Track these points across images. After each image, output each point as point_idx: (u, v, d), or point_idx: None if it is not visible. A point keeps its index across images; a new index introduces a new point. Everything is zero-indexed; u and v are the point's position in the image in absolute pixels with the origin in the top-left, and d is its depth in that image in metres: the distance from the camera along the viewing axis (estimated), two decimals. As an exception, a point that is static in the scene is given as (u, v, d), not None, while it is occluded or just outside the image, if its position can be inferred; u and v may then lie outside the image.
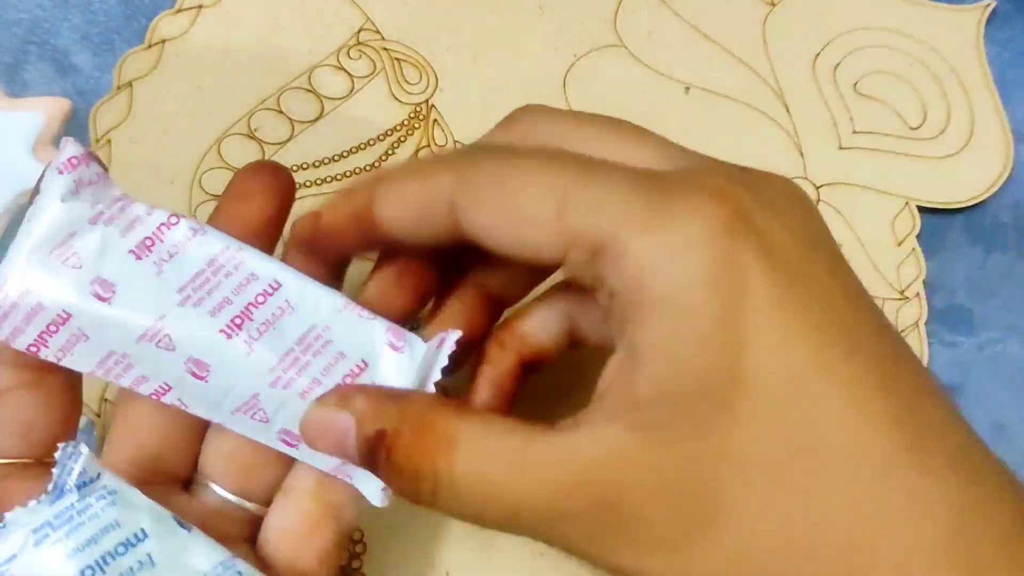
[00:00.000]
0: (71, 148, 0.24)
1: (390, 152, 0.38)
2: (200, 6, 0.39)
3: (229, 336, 0.25)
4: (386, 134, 0.38)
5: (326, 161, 0.37)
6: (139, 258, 0.24)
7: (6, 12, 0.39)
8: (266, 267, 0.25)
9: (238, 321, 0.25)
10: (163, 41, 0.38)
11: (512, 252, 0.23)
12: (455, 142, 0.38)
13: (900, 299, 0.38)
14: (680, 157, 0.24)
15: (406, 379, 0.26)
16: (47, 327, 0.24)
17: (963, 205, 0.39)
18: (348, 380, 0.26)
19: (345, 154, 0.37)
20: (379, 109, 0.38)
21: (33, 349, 0.24)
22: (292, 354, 0.25)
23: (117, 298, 0.24)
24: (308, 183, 0.37)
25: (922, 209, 0.39)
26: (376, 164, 0.37)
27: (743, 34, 0.41)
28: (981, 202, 0.39)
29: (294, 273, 0.26)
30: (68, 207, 0.24)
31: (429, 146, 0.38)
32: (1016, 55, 0.42)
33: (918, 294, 0.38)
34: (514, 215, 0.23)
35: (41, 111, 0.36)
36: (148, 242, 0.25)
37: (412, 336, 0.27)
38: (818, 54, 0.41)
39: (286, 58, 0.38)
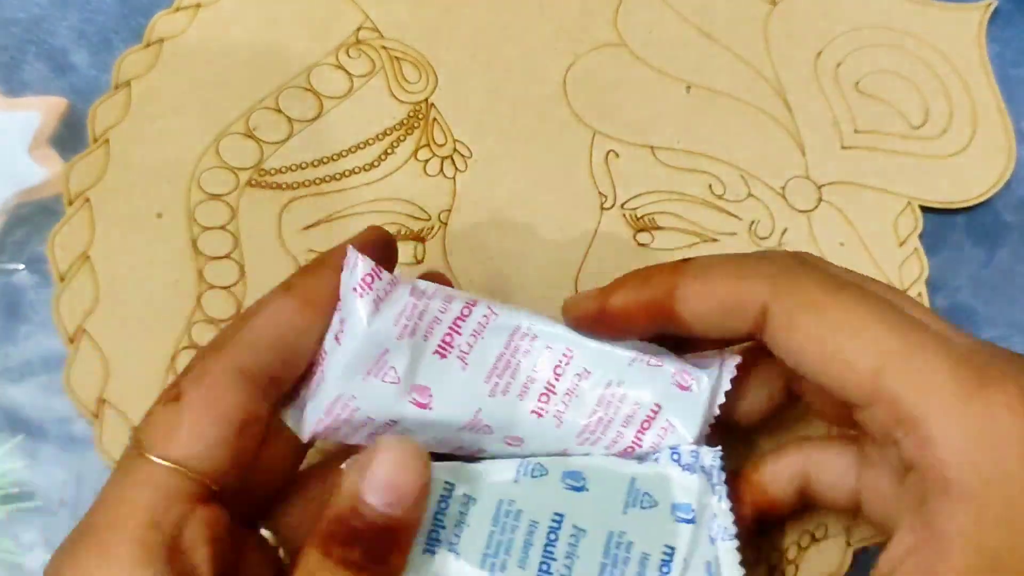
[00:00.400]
0: (362, 265, 0.26)
1: (389, 151, 0.37)
2: (198, 5, 0.39)
3: (540, 415, 0.28)
4: (385, 133, 0.38)
5: (325, 160, 0.37)
6: (443, 357, 0.27)
7: (3, 11, 0.39)
8: (558, 336, 0.28)
9: (544, 399, 0.28)
10: (161, 40, 0.38)
11: (815, 379, 0.24)
12: (454, 141, 0.38)
13: (902, 299, 0.37)
14: (965, 337, 0.25)
15: (696, 414, 0.28)
16: (375, 432, 0.27)
17: (966, 204, 0.39)
18: (646, 426, 0.28)
19: (344, 153, 0.37)
20: (378, 108, 0.38)
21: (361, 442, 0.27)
22: (595, 415, 0.28)
23: (435, 402, 0.26)
24: (307, 183, 0.37)
25: (924, 208, 0.39)
26: (375, 163, 0.37)
27: (745, 32, 0.40)
28: (984, 201, 0.39)
29: (581, 338, 0.28)
30: (374, 329, 0.25)
31: (428, 145, 0.38)
32: (1018, 54, 0.41)
33: (920, 293, 0.38)
34: (830, 354, 0.23)
35: (38, 110, 0.36)
36: (448, 338, 0.27)
37: (697, 372, 0.28)
38: (820, 52, 0.40)
39: (284, 57, 0.38)
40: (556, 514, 0.26)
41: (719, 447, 0.29)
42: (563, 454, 0.28)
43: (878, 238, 0.38)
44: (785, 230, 0.38)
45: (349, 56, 0.39)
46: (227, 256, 0.36)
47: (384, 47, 0.39)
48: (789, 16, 0.41)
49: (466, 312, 0.27)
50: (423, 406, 0.26)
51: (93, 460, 0.34)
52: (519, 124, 0.38)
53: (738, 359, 0.28)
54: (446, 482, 0.26)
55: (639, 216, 0.38)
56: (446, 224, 0.37)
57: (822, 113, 0.40)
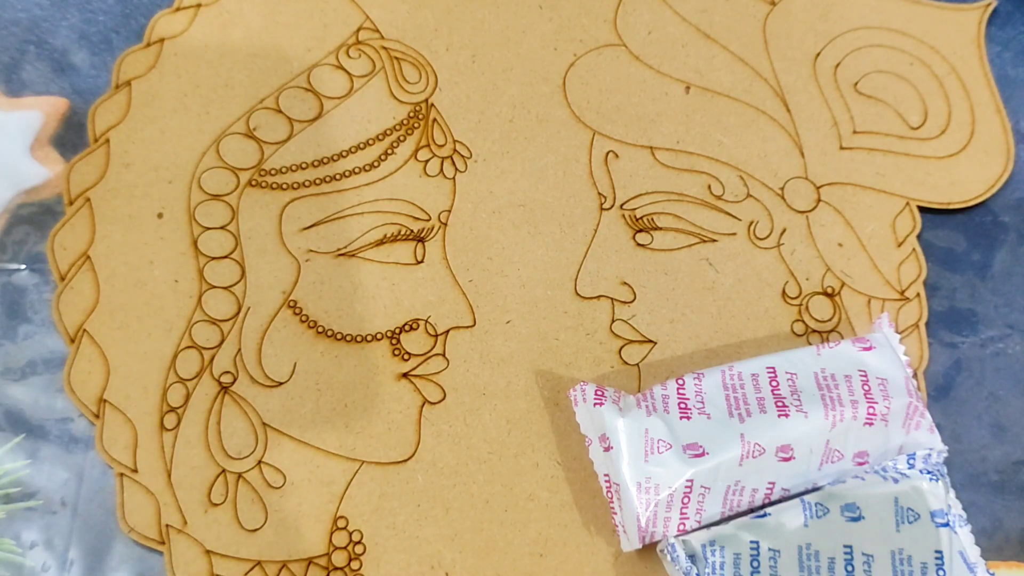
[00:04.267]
0: (589, 388, 0.33)
1: (389, 151, 0.38)
2: (199, 5, 0.39)
3: (787, 415, 0.32)
4: (385, 133, 0.38)
5: (325, 161, 0.37)
6: (688, 418, 0.32)
7: (4, 11, 0.39)
8: (755, 365, 0.34)
9: (780, 404, 0.33)
10: (161, 40, 0.38)
11: None
12: (455, 142, 0.38)
13: (900, 300, 0.37)
14: None
15: (891, 359, 0.34)
16: (683, 500, 0.31)
17: (965, 205, 0.39)
18: (881, 391, 0.33)
19: (344, 153, 0.37)
20: (378, 108, 0.38)
21: (681, 527, 0.32)
22: (826, 396, 0.33)
23: (707, 447, 0.32)
24: (307, 183, 0.37)
25: (922, 209, 0.39)
26: (375, 164, 0.37)
27: (743, 33, 0.40)
28: (982, 202, 0.39)
29: (770, 356, 0.34)
30: (629, 417, 0.32)
31: (428, 145, 0.38)
32: (1017, 54, 0.41)
33: (918, 294, 0.38)
34: None
35: (39, 110, 0.36)
36: (682, 404, 0.33)
37: (868, 335, 0.35)
38: (819, 53, 0.40)
39: (285, 57, 0.38)
40: (845, 546, 0.31)
41: (945, 447, 0.34)
42: (827, 447, 0.33)
43: (876, 239, 0.38)
44: (784, 230, 0.38)
45: (349, 56, 0.39)
46: (228, 256, 0.36)
47: (384, 47, 0.39)
48: (788, 16, 0.41)
49: (680, 383, 0.33)
50: (701, 455, 0.31)
51: (94, 459, 0.34)
52: (519, 125, 0.39)
53: (886, 315, 0.36)
54: (751, 541, 0.31)
55: (638, 217, 0.38)
56: (446, 224, 0.37)
57: (821, 114, 0.40)
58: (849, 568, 0.31)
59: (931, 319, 0.38)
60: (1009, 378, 0.38)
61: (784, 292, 0.37)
